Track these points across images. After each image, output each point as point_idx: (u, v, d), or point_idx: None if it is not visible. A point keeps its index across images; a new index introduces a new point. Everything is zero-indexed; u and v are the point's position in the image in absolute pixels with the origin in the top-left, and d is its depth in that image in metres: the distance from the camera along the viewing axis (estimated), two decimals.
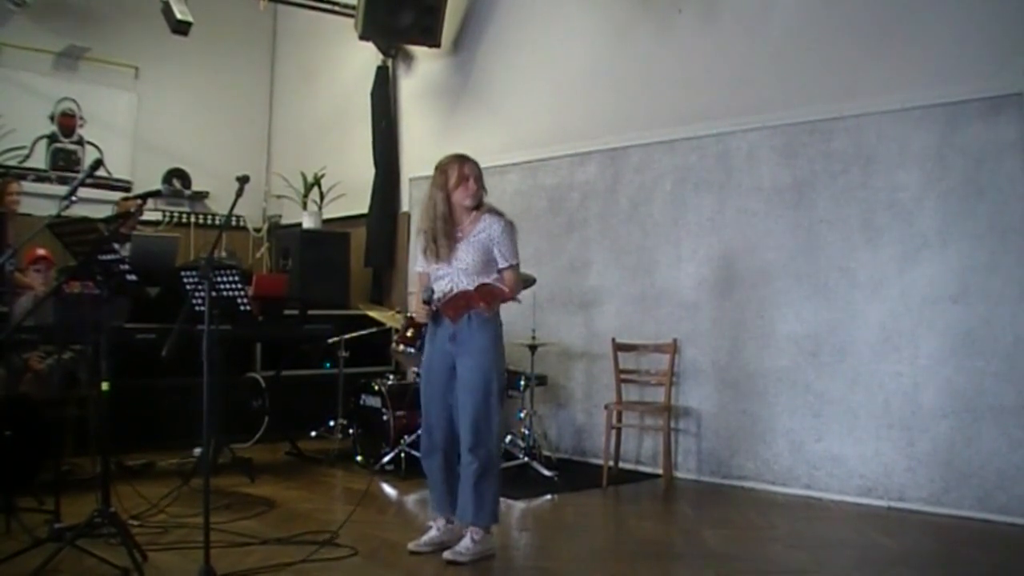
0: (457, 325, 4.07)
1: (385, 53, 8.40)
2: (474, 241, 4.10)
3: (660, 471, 5.97)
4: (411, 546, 4.14)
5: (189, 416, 4.77)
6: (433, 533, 4.18)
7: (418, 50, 8.18)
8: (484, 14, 7.74)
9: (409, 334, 5.65)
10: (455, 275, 4.09)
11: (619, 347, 6.24)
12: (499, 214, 4.18)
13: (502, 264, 4.12)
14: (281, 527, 4.50)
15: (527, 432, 6.18)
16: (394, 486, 5.65)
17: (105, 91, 8.73)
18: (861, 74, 5.42)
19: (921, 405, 5.15)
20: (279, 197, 9.25)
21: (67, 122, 8.53)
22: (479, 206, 4.17)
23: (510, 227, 4.16)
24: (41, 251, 6.09)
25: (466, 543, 4.01)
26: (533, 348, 6.16)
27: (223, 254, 8.45)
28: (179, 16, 7.51)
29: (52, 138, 8.45)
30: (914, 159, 5.24)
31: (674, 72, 6.33)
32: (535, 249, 6.91)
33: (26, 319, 4.64)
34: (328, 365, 7.37)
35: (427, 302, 4.14)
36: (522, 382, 6.28)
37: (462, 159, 4.21)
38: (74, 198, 4.34)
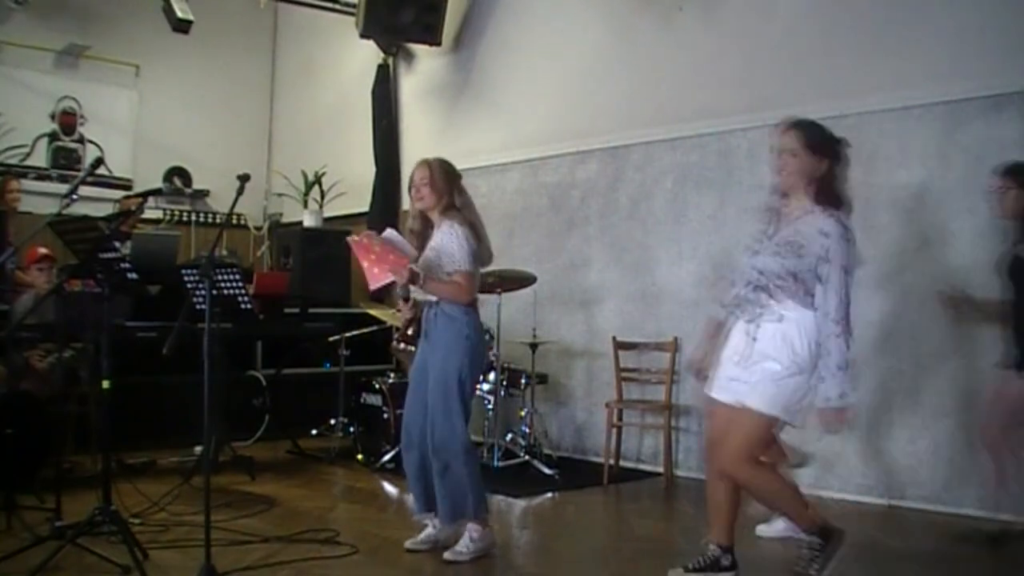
0: (427, 322, 4.11)
1: (386, 51, 8.39)
2: (432, 245, 4.11)
3: (661, 469, 5.97)
4: (408, 544, 4.14)
5: (190, 414, 4.77)
6: (430, 531, 4.17)
7: (419, 48, 8.17)
8: (485, 12, 7.73)
9: (410, 332, 5.66)
10: None
11: (620, 345, 6.24)
12: (456, 222, 4.07)
13: (449, 269, 4.03)
14: (282, 525, 4.50)
15: (527, 430, 6.18)
16: (395, 484, 5.65)
17: (106, 89, 8.73)
18: (862, 72, 5.41)
19: (922, 403, 5.15)
20: (280, 195, 9.24)
21: (68, 120, 8.53)
22: (445, 209, 4.11)
23: (460, 236, 4.02)
24: (43, 250, 6.09)
25: (464, 542, 4.01)
26: (534, 346, 6.16)
27: (224, 252, 8.45)
28: (180, 14, 7.50)
29: (53, 136, 8.45)
30: (915, 157, 5.24)
31: (675, 70, 6.33)
32: (536, 247, 6.92)
33: (27, 317, 4.64)
34: (329, 364, 7.37)
35: (404, 299, 4.25)
36: (523, 380, 6.28)
37: (418, 165, 4.19)
38: (75, 196, 4.35)
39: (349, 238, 4.17)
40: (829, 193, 3.50)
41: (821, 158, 3.51)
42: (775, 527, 4.49)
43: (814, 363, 3.43)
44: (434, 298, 4.07)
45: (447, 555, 3.98)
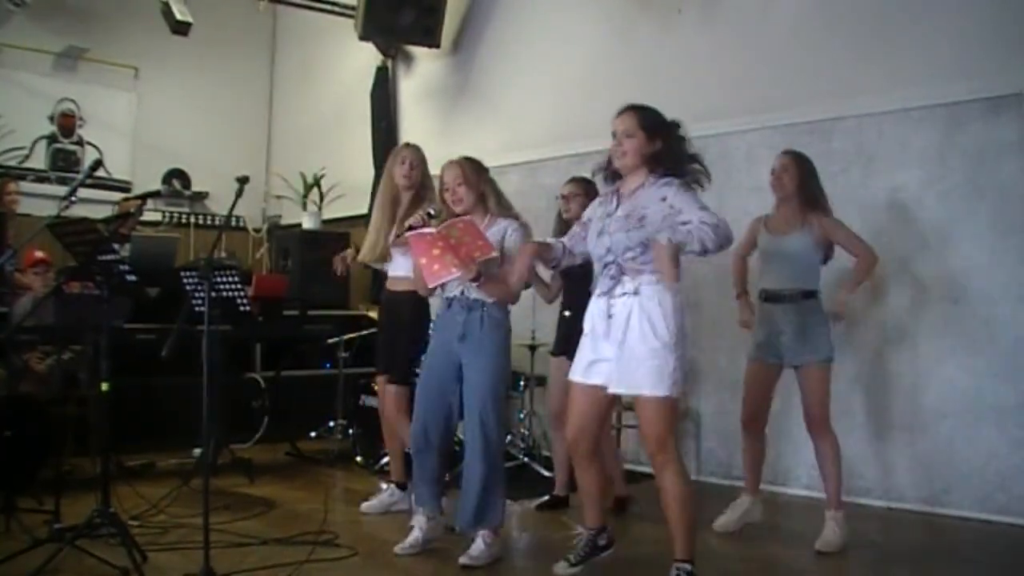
0: (465, 324, 4.02)
1: (385, 53, 8.40)
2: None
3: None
4: (397, 549, 4.13)
5: (189, 416, 4.77)
6: (417, 534, 4.16)
7: (418, 50, 8.18)
8: (484, 14, 7.74)
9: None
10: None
11: None
12: (514, 219, 4.14)
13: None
14: (281, 527, 4.50)
15: (526, 432, 6.18)
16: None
17: (105, 91, 8.75)
18: (861, 74, 5.42)
19: (921, 405, 5.15)
20: (279, 197, 9.25)
21: (67, 122, 8.54)
22: (488, 205, 4.13)
23: (521, 236, 4.08)
24: (40, 254, 6.09)
25: (479, 546, 3.99)
26: (533, 348, 6.15)
27: (223, 254, 8.45)
28: (179, 16, 7.52)
29: (52, 138, 8.47)
30: (914, 159, 5.24)
31: (674, 72, 6.32)
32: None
33: (26, 319, 4.63)
34: (328, 365, 7.36)
35: (430, 215, 4.09)
36: (522, 382, 6.28)
37: (446, 167, 4.17)
38: (74, 198, 4.34)
39: (410, 232, 3.93)
40: (664, 166, 3.65)
41: (655, 138, 3.65)
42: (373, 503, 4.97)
43: (677, 338, 3.49)
44: (487, 298, 3.99)
45: (463, 560, 3.95)
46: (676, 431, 3.70)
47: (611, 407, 3.92)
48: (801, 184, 4.53)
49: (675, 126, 3.72)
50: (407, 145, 4.92)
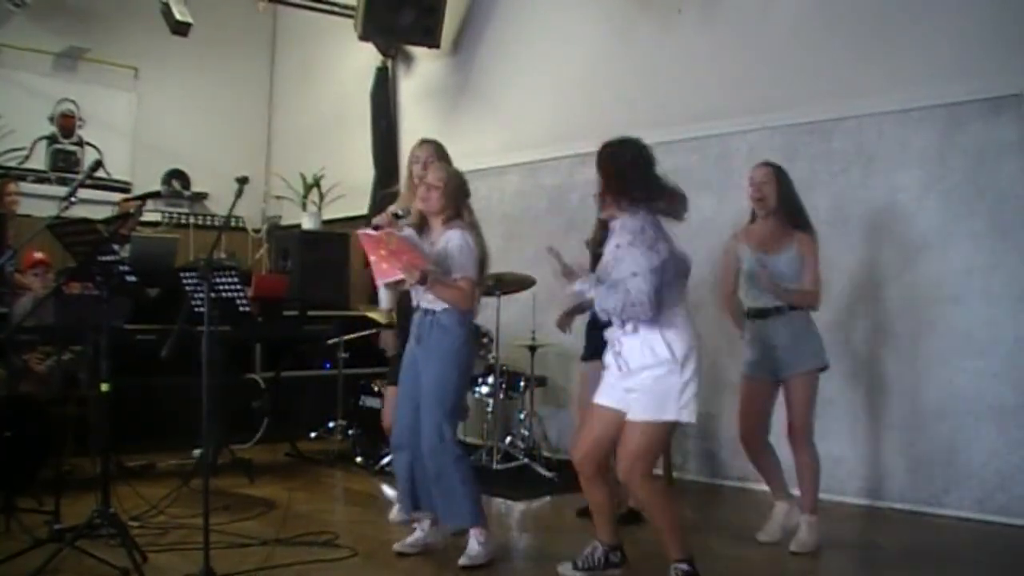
0: (420, 328, 4.07)
1: (385, 54, 8.39)
2: (438, 249, 4.04)
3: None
4: (396, 547, 4.14)
5: (189, 417, 4.76)
6: (418, 534, 4.17)
7: (418, 51, 8.18)
8: (484, 14, 7.74)
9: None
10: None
11: None
12: (468, 231, 4.06)
13: (456, 275, 3.99)
14: (281, 528, 4.49)
15: (527, 433, 6.18)
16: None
17: (105, 92, 8.74)
18: (861, 74, 5.42)
19: (921, 405, 5.15)
20: (279, 198, 9.24)
21: (66, 123, 8.53)
22: (452, 218, 4.09)
23: (471, 244, 4.02)
24: (39, 255, 6.09)
25: (473, 546, 3.99)
26: (533, 349, 6.15)
27: (222, 255, 8.45)
28: (179, 17, 7.51)
29: (52, 139, 8.46)
30: (914, 159, 5.24)
31: (674, 72, 6.33)
32: (535, 250, 6.87)
33: (26, 320, 4.64)
34: (328, 366, 7.36)
35: (397, 216, 4.14)
36: (522, 383, 6.28)
37: (436, 166, 4.21)
38: (74, 199, 4.35)
39: (360, 231, 4.07)
40: (633, 197, 3.67)
41: (620, 175, 3.72)
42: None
43: (681, 361, 3.54)
44: (437, 306, 4.02)
45: (463, 560, 3.95)
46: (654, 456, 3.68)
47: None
48: (783, 198, 4.47)
49: (634, 150, 3.78)
50: (422, 142, 4.84)
